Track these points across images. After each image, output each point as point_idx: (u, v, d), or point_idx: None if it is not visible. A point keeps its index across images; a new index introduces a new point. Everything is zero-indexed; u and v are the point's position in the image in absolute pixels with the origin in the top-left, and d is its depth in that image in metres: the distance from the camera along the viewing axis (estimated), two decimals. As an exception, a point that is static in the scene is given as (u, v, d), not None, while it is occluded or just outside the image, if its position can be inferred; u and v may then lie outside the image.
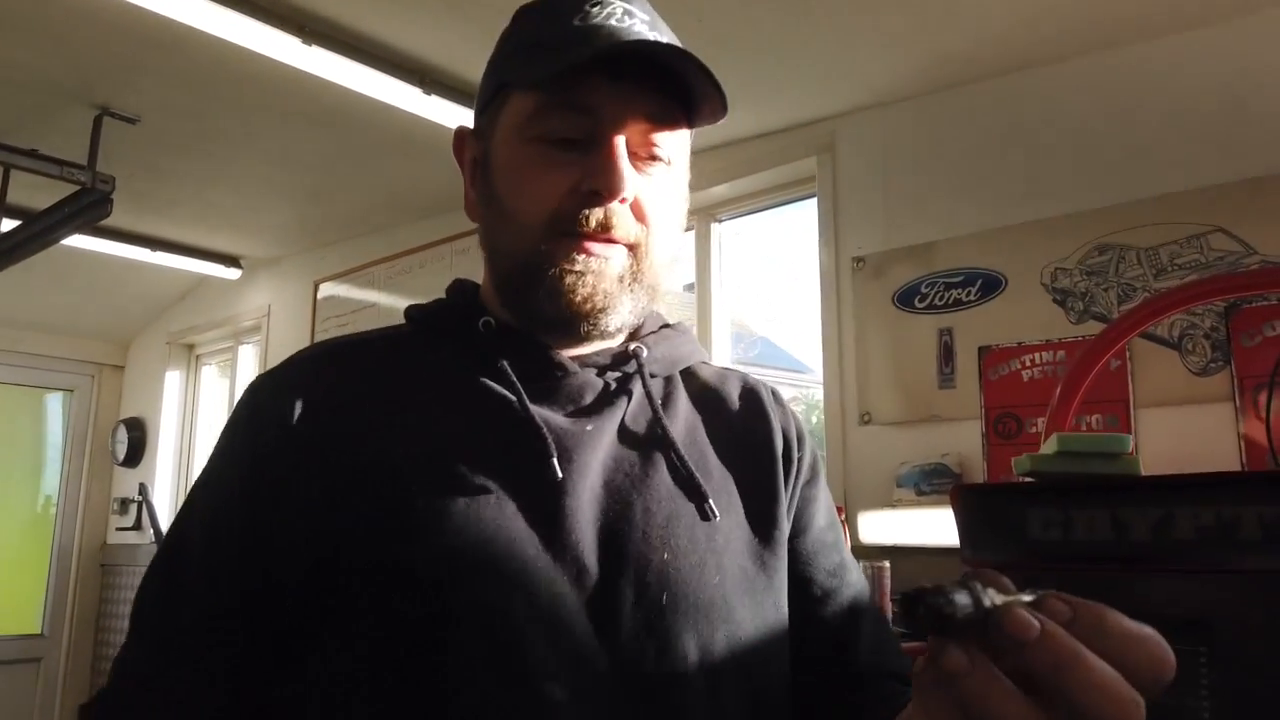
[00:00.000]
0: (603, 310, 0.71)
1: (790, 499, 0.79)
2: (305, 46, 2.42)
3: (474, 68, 2.66)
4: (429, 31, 2.47)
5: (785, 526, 0.77)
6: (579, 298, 0.70)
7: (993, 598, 0.40)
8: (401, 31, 2.47)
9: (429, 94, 2.66)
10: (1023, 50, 2.36)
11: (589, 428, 0.72)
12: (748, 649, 0.69)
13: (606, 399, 0.75)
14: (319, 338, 4.21)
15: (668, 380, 0.81)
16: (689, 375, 0.83)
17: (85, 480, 5.36)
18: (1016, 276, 2.35)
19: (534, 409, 0.71)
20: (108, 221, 3.34)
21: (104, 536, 5.35)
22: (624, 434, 0.74)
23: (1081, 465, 1.40)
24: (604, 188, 0.69)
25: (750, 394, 0.84)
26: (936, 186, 2.57)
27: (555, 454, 0.68)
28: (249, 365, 4.83)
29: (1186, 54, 2.19)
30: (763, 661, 0.70)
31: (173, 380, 5.17)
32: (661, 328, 0.83)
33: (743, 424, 0.81)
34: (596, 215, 0.69)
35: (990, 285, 2.40)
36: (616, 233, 0.70)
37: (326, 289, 4.27)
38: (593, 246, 0.70)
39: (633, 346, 0.78)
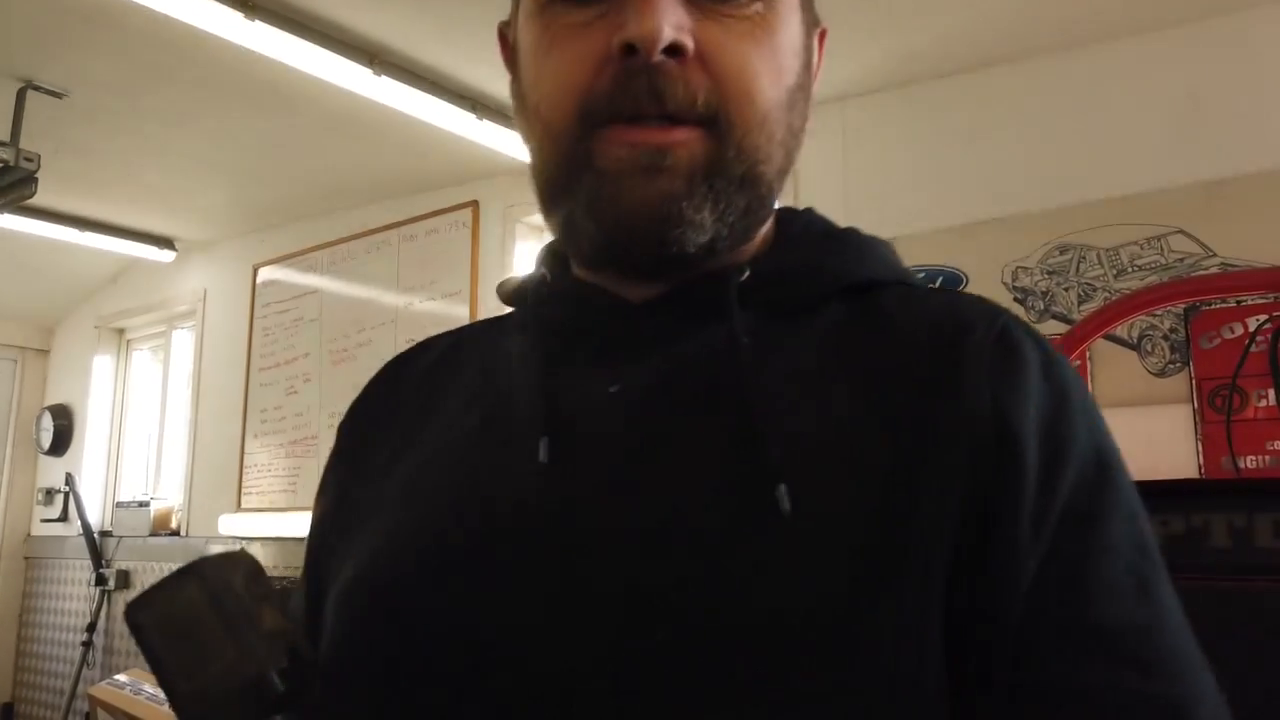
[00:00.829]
0: (666, 221, 0.50)
1: (985, 537, 0.45)
2: (248, 22, 2.29)
3: (426, 48, 2.56)
4: (380, 10, 2.37)
5: (934, 572, 0.45)
6: (628, 207, 0.50)
7: None
8: (351, 9, 2.36)
9: (379, 75, 2.55)
10: (986, 48, 2.35)
11: (613, 389, 0.52)
12: None
13: (658, 346, 0.53)
14: (258, 324, 4.07)
15: (797, 312, 0.55)
16: (857, 303, 0.55)
17: (8, 469, 5.13)
18: (977, 275, 2.35)
19: (556, 374, 0.54)
20: (33, 200, 3.16)
21: (28, 528, 5.13)
22: (674, 392, 0.52)
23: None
24: (637, 35, 0.48)
25: (949, 337, 0.51)
26: (897, 183, 2.55)
27: (547, 430, 0.51)
28: (184, 351, 4.65)
29: (1148, 56, 2.20)
30: None
31: (102, 366, 4.96)
32: (798, 234, 0.59)
33: (908, 384, 0.49)
34: (639, 84, 0.49)
35: (950, 283, 2.39)
36: (673, 104, 0.49)
37: (266, 273, 4.12)
38: (641, 133, 0.50)
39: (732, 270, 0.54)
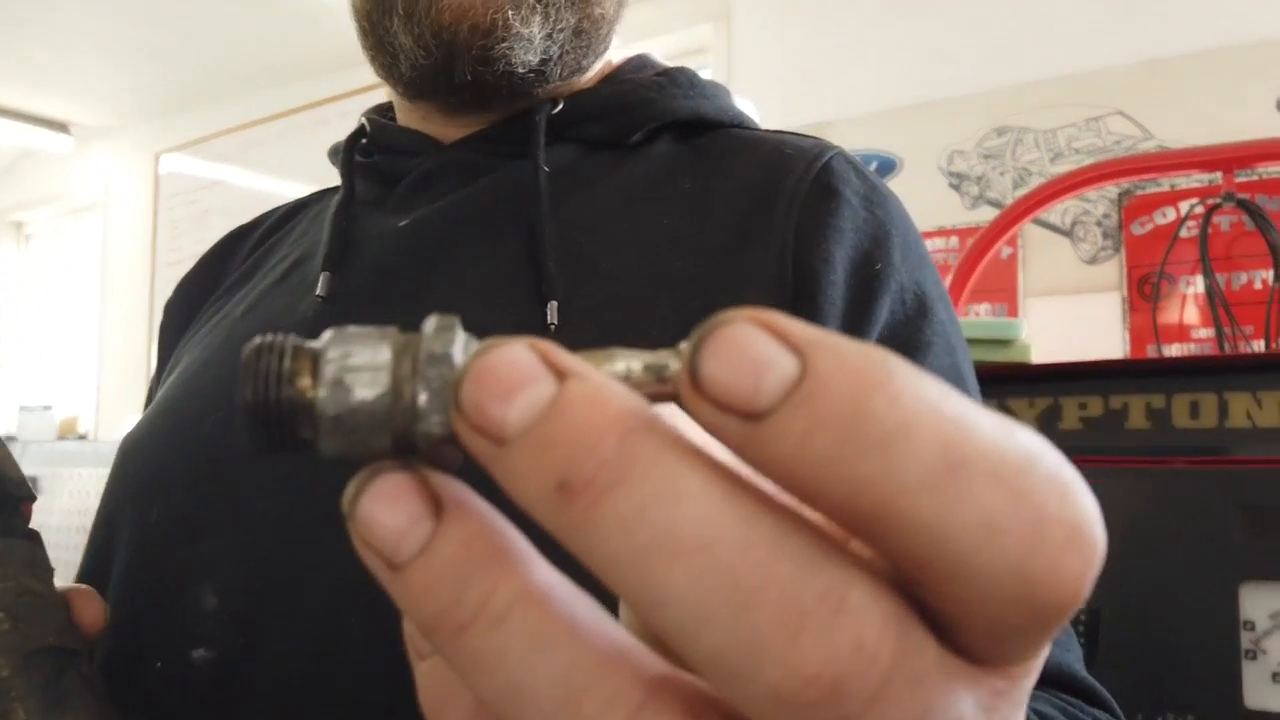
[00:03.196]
0: (489, 32, 0.47)
1: None
2: None
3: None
4: None
5: None
6: (447, 16, 0.47)
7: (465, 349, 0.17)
8: None
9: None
10: (929, -85, 2.23)
11: (401, 223, 0.51)
12: None
13: (461, 181, 0.52)
14: (163, 215, 3.85)
15: (620, 148, 0.53)
16: (686, 142, 0.54)
17: (-98, 372, 4.87)
18: (912, 159, 2.27)
19: (358, 217, 0.53)
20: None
21: (-73, 433, 4.91)
22: (464, 222, 0.50)
23: (972, 353, 1.34)
24: None
25: (769, 176, 0.49)
26: (833, 65, 2.45)
27: (327, 265, 0.50)
28: (89, 244, 4.40)
29: (1095, -73, 2.10)
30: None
31: (-1, 262, 4.69)
32: (628, 72, 0.57)
33: (723, 221, 0.48)
34: None
35: (884, 169, 2.31)
36: None
37: (171, 162, 3.88)
38: None
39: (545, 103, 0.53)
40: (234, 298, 0.57)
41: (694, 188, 0.50)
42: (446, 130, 0.54)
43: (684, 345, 0.14)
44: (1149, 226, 1.96)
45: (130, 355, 3.95)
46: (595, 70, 0.56)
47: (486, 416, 0.14)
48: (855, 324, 0.45)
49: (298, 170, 3.41)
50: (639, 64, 0.59)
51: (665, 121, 0.53)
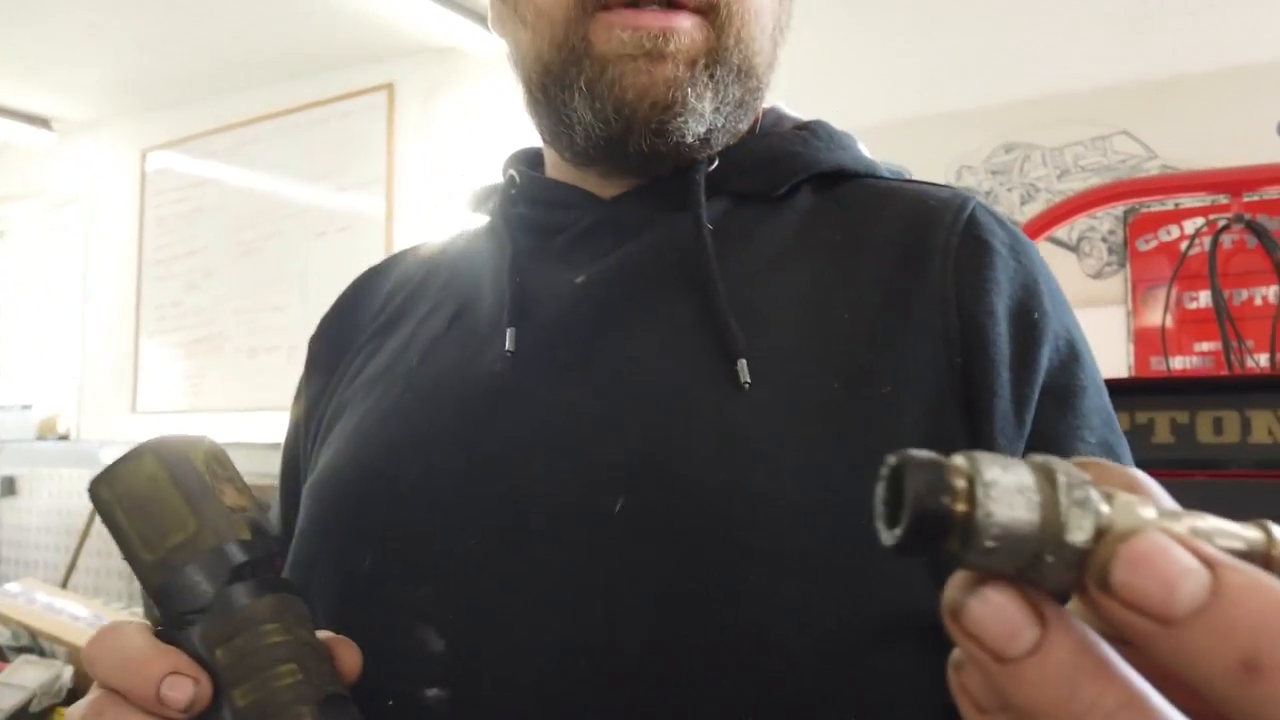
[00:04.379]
0: (669, 108, 0.50)
1: (967, 429, 0.46)
2: None
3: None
4: None
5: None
6: (630, 94, 0.49)
7: (1102, 506, 0.19)
8: None
9: (288, -65, 2.32)
10: (939, -67, 2.27)
11: (579, 279, 0.51)
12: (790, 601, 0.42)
13: (626, 237, 0.53)
14: (150, 213, 3.79)
15: (768, 200, 0.55)
16: (826, 193, 0.55)
17: None
18: (921, 173, 2.30)
19: (525, 270, 0.54)
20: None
21: (-103, 431, 4.79)
22: (638, 278, 0.51)
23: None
24: None
25: (916, 228, 0.51)
26: (845, 75, 2.48)
27: (511, 320, 0.51)
28: (68, 243, 4.32)
29: (1101, -51, 2.16)
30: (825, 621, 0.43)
31: (-27, 257, 4.58)
32: (769, 126, 0.59)
33: (876, 273, 0.50)
34: None
35: (892, 181, 2.36)
36: None
37: (158, 159, 3.82)
38: (643, 17, 0.49)
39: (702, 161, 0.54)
40: (389, 344, 0.58)
41: (840, 240, 0.52)
42: (602, 188, 0.56)
43: (1273, 527, 0.19)
44: (1153, 243, 2.03)
45: (115, 355, 3.89)
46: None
47: (1148, 599, 0.18)
48: (1021, 374, 0.47)
49: (294, 169, 3.38)
50: (775, 117, 0.62)
51: (810, 174, 0.55)
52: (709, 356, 0.47)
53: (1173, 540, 0.19)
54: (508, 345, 0.50)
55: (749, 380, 0.46)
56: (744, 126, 0.56)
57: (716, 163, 0.54)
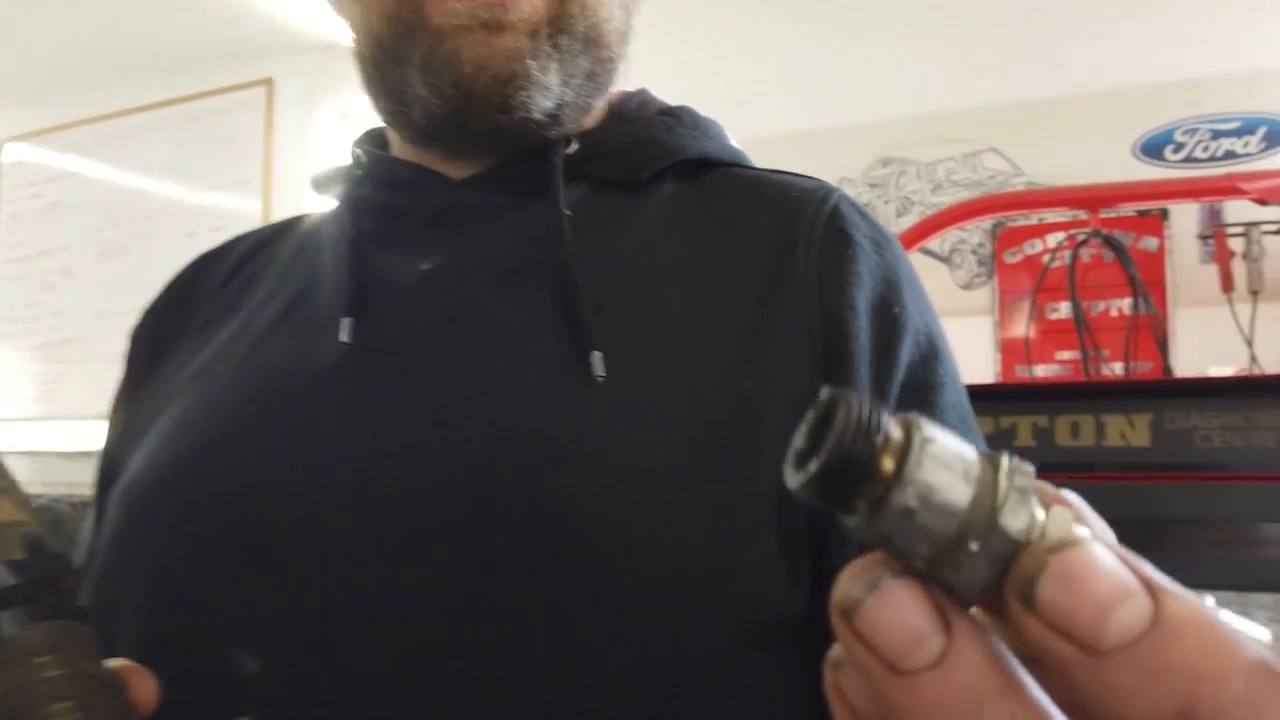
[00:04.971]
0: (510, 81, 0.47)
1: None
2: None
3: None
4: None
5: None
6: (468, 67, 0.46)
7: (1039, 510, 0.17)
8: None
9: (158, -82, 2.22)
10: (821, -48, 2.32)
11: (425, 266, 0.48)
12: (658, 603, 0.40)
13: (479, 222, 0.50)
14: (7, 210, 3.56)
15: (629, 188, 0.52)
16: (691, 181, 0.54)
17: None
18: (802, 184, 2.37)
19: (369, 256, 0.50)
20: None
21: None
22: (490, 266, 0.49)
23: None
24: None
25: (781, 220, 0.49)
26: (730, 90, 2.52)
27: (348, 310, 0.47)
28: (-91, 239, 4.02)
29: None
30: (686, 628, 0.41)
31: None
32: (632, 110, 0.57)
33: (741, 264, 0.48)
34: None
35: (776, 192, 2.40)
36: None
37: (14, 151, 3.60)
38: None
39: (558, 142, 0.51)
40: (219, 334, 0.53)
41: (709, 230, 0.50)
42: (452, 169, 0.52)
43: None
44: (1019, 256, 2.11)
45: (-38, 358, 3.63)
46: (598, 106, 0.55)
47: (1076, 622, 0.15)
48: (881, 369, 0.46)
49: (166, 167, 3.23)
50: (640, 100, 0.59)
51: (674, 161, 0.52)
52: (563, 351, 0.44)
53: (1114, 557, 0.16)
54: (343, 337, 0.46)
55: (603, 375, 0.43)
56: (598, 101, 0.53)
57: (575, 145, 0.51)
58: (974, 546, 0.16)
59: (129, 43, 3.12)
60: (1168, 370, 1.82)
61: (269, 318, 0.52)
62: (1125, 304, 1.97)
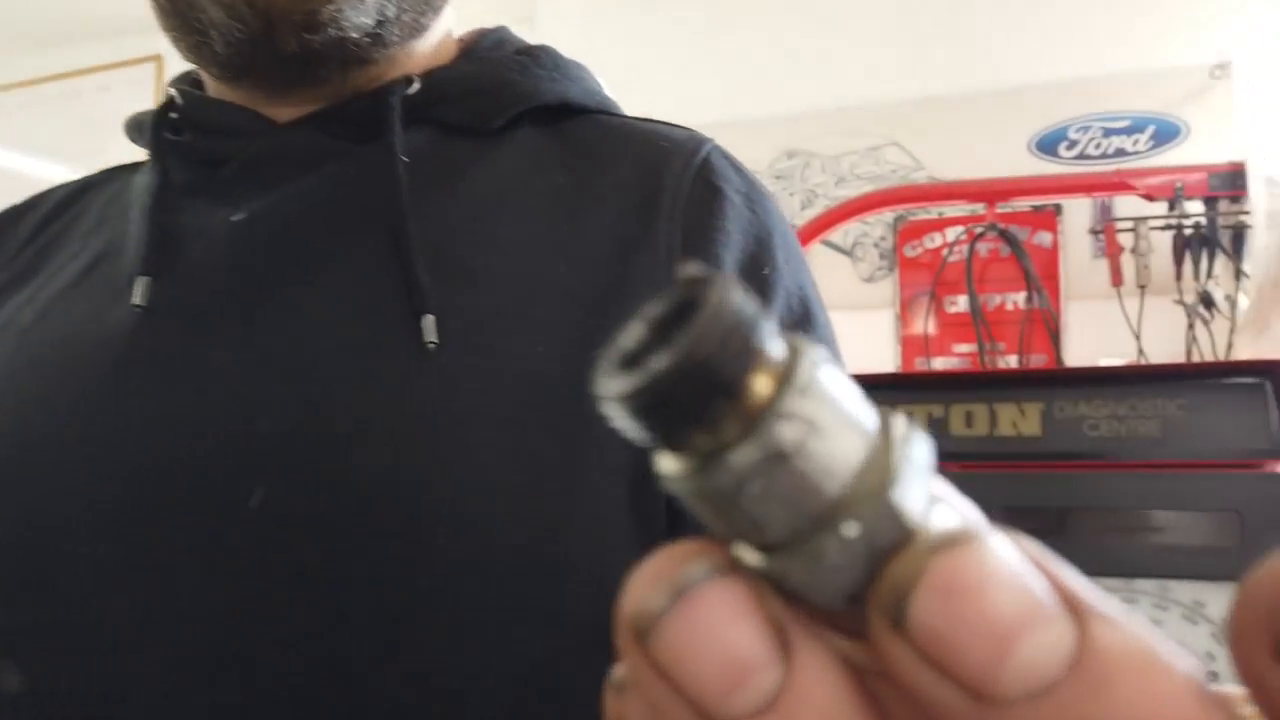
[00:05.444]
0: (310, 4, 0.42)
1: None
2: None
3: None
4: None
5: None
6: None
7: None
8: None
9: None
10: (728, -58, 2.32)
11: (236, 217, 0.43)
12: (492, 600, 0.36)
13: (302, 169, 0.45)
14: None
15: (481, 133, 0.47)
16: (552, 128, 0.49)
17: None
18: (709, 175, 2.35)
19: (177, 207, 0.45)
20: None
21: None
22: (312, 217, 0.44)
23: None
24: None
25: (647, 171, 0.46)
26: (634, 82, 2.49)
27: (145, 268, 0.42)
28: None
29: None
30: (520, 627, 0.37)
31: None
32: (486, 49, 0.52)
33: (602, 219, 0.45)
34: None
35: (682, 183, 2.38)
36: None
37: (-124, 128, 3.36)
38: None
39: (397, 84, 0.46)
40: (15, 299, 0.48)
41: (567, 184, 0.46)
42: (277, 109, 0.47)
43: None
44: (919, 250, 2.13)
45: None
46: (437, 39, 0.51)
47: (966, 657, 0.11)
48: None
49: (43, 148, 3.05)
50: (496, 39, 0.54)
51: (530, 106, 0.48)
52: (392, 314, 0.40)
53: (1022, 560, 0.11)
54: (137, 299, 0.42)
55: (436, 341, 0.39)
56: (429, 21, 0.49)
57: (417, 85, 0.46)
58: (850, 530, 0.11)
59: (4, 15, 2.94)
60: (1060, 362, 1.86)
61: (65, 281, 0.46)
62: (1020, 298, 2.00)
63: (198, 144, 0.48)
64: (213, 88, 0.51)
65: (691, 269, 0.13)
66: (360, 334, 0.40)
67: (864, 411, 0.12)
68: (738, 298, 0.12)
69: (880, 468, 0.12)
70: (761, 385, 0.12)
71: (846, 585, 0.12)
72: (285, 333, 0.40)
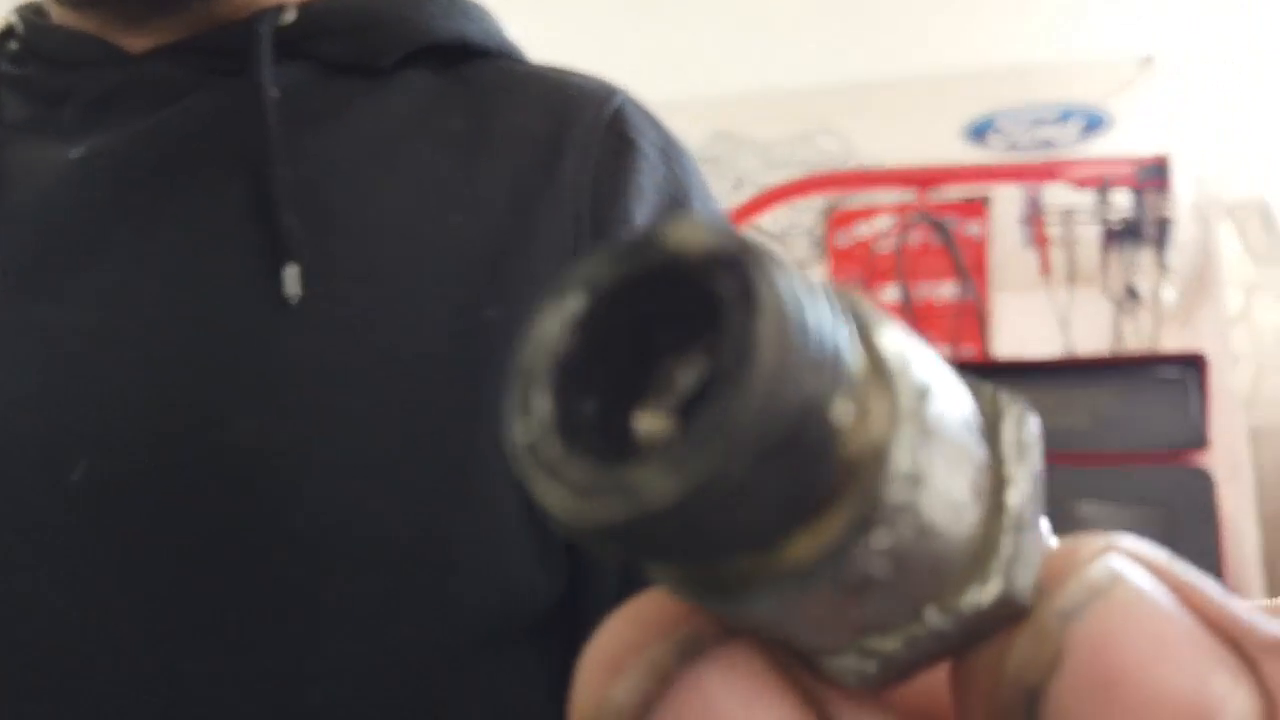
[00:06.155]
0: None
1: None
2: None
3: None
4: None
5: None
6: None
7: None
8: None
9: None
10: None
11: (74, 154, 0.40)
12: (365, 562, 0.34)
13: (156, 104, 0.41)
14: None
15: (366, 72, 0.43)
16: (448, 72, 0.45)
17: None
18: (637, 159, 2.30)
19: (11, 142, 0.41)
20: None
21: None
22: (163, 155, 0.40)
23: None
24: None
25: (553, 122, 0.42)
26: (563, 58, 2.42)
27: None
28: None
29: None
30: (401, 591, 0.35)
31: None
32: None
33: (503, 171, 0.41)
34: None
35: (610, 166, 2.33)
36: None
37: None
38: None
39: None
40: None
41: (465, 129, 0.42)
42: (132, 39, 0.43)
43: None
44: (849, 239, 2.11)
45: None
46: None
47: None
48: None
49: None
50: None
51: (423, 44, 0.44)
52: (250, 263, 0.36)
53: (1166, 594, 0.08)
54: None
55: (299, 293, 0.35)
56: None
57: (292, 15, 0.42)
58: (935, 620, 0.08)
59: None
60: (988, 353, 1.85)
61: None
62: (950, 289, 1.99)
63: (39, 76, 0.44)
64: (58, 14, 0.46)
65: (687, 229, 0.08)
66: (210, 287, 0.37)
67: (969, 411, 0.09)
68: (798, 288, 0.08)
69: (987, 534, 0.08)
70: (867, 434, 0.08)
71: (910, 670, 0.09)
72: (130, 285, 0.37)
